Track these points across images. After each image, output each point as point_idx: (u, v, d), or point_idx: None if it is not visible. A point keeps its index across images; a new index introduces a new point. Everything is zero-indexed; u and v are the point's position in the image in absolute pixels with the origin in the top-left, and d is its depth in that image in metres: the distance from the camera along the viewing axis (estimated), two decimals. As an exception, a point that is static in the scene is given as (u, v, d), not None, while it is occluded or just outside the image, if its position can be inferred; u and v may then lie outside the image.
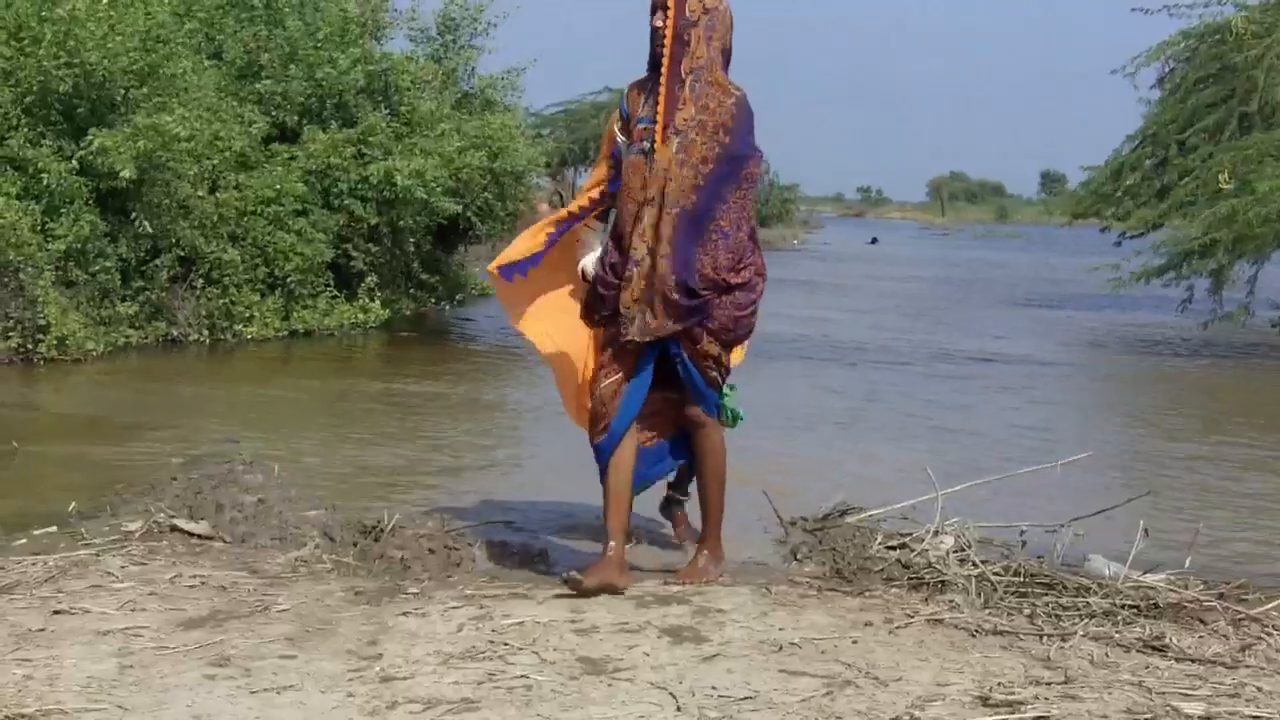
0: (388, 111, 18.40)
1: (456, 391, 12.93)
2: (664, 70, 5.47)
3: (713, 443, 5.84)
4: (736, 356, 6.10)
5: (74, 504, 6.83)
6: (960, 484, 7.13)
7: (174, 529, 6.28)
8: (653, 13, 5.50)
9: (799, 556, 6.39)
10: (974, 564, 5.95)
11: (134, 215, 14.08)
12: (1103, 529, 6.71)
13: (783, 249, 50.93)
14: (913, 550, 6.18)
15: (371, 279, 17.73)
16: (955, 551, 6.13)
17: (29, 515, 6.74)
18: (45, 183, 13.26)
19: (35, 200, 13.27)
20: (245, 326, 15.62)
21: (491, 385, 13.50)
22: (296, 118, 17.54)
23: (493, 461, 9.63)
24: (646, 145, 5.51)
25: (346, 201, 17.19)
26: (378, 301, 17.67)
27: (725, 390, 6.05)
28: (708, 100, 5.45)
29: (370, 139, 17.55)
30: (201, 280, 15.21)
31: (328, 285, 16.98)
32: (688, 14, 5.46)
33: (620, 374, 5.67)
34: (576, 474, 8.00)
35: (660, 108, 5.49)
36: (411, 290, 19.67)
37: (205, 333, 15.23)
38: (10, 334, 12.60)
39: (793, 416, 11.49)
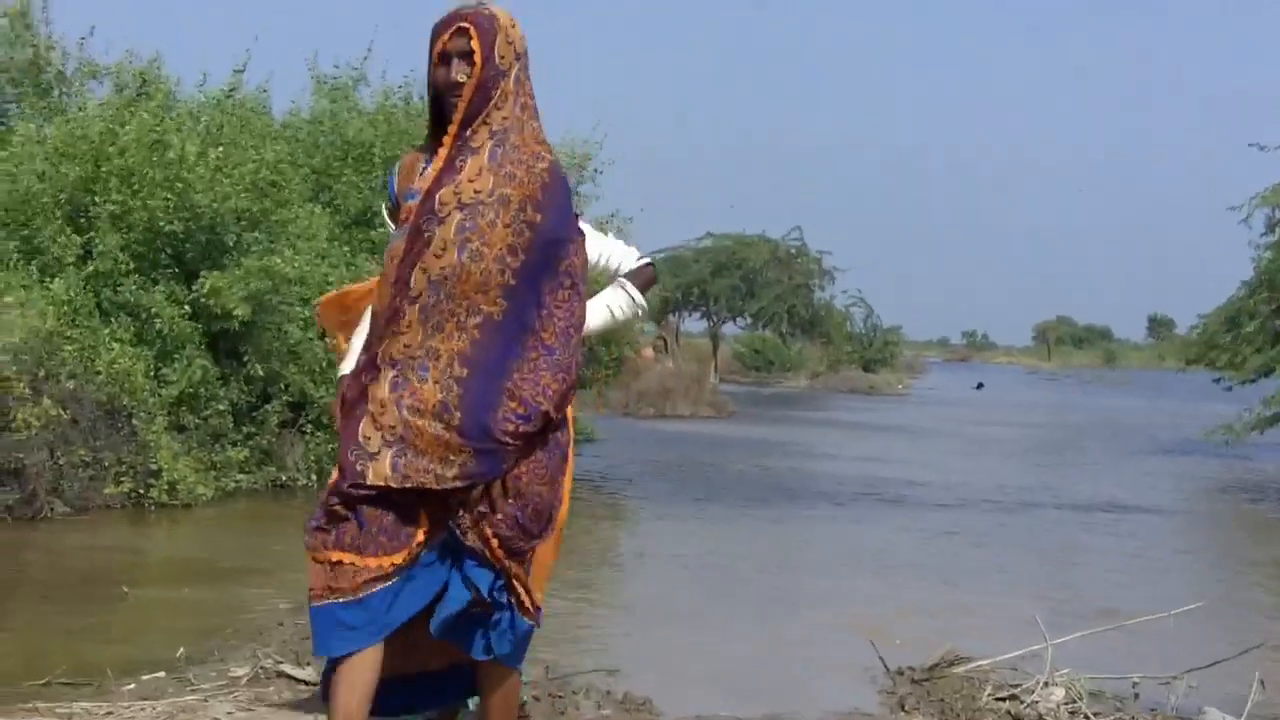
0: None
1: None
2: (452, 131, 3.92)
3: (508, 695, 4.19)
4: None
5: (182, 649, 6.88)
6: (1069, 634, 7.00)
7: (280, 674, 6.31)
8: (444, 63, 3.90)
9: (906, 707, 6.29)
10: (1086, 716, 5.85)
11: (245, 359, 14.32)
12: (1218, 681, 6.57)
13: (886, 394, 50.77)
14: (1023, 702, 6.07)
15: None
16: (1066, 703, 6.02)
17: (137, 660, 6.80)
18: (158, 328, 13.56)
19: (148, 345, 13.55)
20: (353, 471, 15.66)
21: (596, 525, 13.48)
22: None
23: (594, 602, 9.59)
24: (419, 225, 3.89)
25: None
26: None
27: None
28: (514, 168, 3.89)
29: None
30: (310, 424, 15.40)
31: (433, 430, 17.04)
32: (498, 62, 3.90)
33: (383, 556, 3.83)
34: (682, 618, 7.96)
35: (432, 177, 3.93)
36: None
37: (314, 477, 15.35)
38: (122, 479, 12.76)
39: (896, 562, 11.38)
